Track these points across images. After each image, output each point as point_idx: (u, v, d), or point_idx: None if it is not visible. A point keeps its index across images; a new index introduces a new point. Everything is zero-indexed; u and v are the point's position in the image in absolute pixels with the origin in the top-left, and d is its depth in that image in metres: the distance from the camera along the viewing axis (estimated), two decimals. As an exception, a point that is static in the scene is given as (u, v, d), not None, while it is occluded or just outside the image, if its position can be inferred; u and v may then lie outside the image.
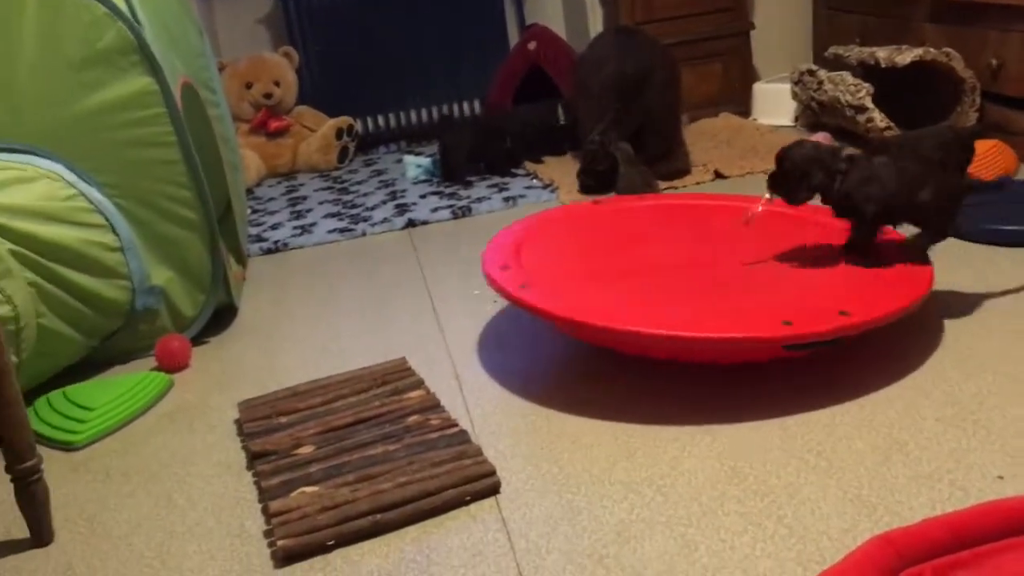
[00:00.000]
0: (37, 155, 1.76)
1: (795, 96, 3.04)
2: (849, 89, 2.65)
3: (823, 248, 1.69)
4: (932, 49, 2.53)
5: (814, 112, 2.93)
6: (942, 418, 1.29)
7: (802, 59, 3.42)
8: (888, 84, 2.62)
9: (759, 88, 3.29)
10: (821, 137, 2.70)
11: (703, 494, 1.19)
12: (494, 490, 1.26)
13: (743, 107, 3.34)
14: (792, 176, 1.58)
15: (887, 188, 1.53)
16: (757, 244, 1.70)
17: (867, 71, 2.72)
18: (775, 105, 3.20)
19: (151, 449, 1.52)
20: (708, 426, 1.35)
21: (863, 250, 1.60)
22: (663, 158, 2.64)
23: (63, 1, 1.75)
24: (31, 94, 1.77)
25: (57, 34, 1.76)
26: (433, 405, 1.49)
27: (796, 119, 3.13)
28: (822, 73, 2.82)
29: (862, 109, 2.59)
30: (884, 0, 3.00)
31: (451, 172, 2.93)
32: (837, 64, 2.89)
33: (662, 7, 3.29)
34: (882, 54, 2.63)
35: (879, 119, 2.53)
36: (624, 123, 2.51)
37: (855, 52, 2.81)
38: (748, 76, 3.40)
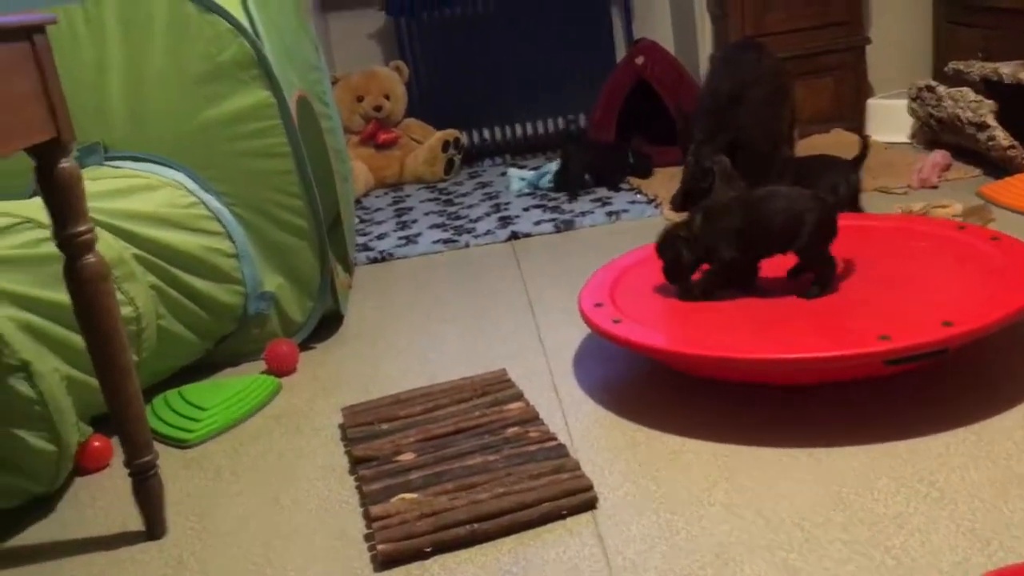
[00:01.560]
0: (160, 164, 1.85)
1: (912, 112, 2.95)
2: (970, 106, 2.55)
3: (922, 258, 1.65)
4: (1061, 65, 2.41)
5: (932, 129, 2.83)
6: (1065, 452, 1.22)
7: (920, 74, 3.31)
8: (1013, 101, 2.51)
9: (874, 104, 3.20)
10: (939, 156, 2.61)
11: (806, 520, 1.16)
12: (591, 505, 1.25)
13: (856, 123, 3.25)
14: (672, 268, 1.65)
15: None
16: (852, 260, 1.66)
17: (990, 87, 2.61)
18: (890, 122, 3.10)
19: (259, 450, 1.57)
20: (811, 449, 1.31)
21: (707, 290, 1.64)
22: (764, 174, 2.59)
23: (189, 17, 1.83)
24: (156, 106, 1.86)
25: (182, 48, 1.85)
26: (532, 417, 1.49)
27: (912, 136, 3.03)
28: (941, 89, 2.73)
29: (984, 127, 2.49)
30: (1009, 14, 2.88)
31: (568, 184, 2.95)
32: (958, 80, 2.79)
33: (774, 22, 3.24)
34: (1006, 70, 2.53)
35: (1002, 137, 2.43)
36: (717, 139, 2.47)
37: (977, 67, 2.71)
38: (862, 91, 3.31)
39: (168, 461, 1.55)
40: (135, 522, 1.35)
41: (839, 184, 2.21)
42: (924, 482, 1.20)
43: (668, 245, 1.65)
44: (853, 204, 2.25)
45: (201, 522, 1.36)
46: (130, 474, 1.31)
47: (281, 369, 1.85)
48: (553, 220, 2.68)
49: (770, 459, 1.30)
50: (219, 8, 1.83)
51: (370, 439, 1.49)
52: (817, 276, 1.58)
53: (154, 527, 1.33)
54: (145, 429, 1.31)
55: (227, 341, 1.92)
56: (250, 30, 1.85)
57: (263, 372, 1.85)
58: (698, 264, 1.64)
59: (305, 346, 1.98)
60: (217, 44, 1.84)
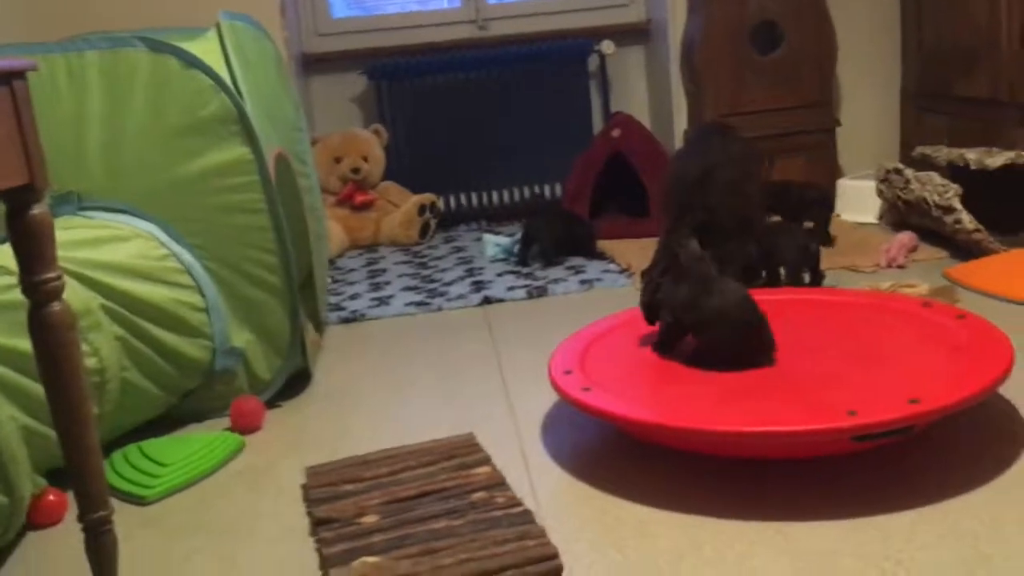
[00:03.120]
0: (134, 215, 1.84)
1: (880, 194, 3.01)
2: (937, 189, 2.61)
3: (892, 333, 1.67)
4: (1024, 153, 2.48)
5: (899, 211, 2.89)
6: (1031, 532, 1.22)
7: (888, 157, 3.39)
8: (977, 186, 2.57)
9: (844, 184, 3.27)
10: (907, 238, 2.66)
11: (773, 594, 1.14)
12: (556, 573, 1.23)
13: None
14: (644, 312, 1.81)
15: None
16: (820, 333, 1.68)
17: (955, 172, 2.68)
18: (859, 202, 3.16)
19: (219, 508, 1.53)
20: (778, 523, 1.30)
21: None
22: (734, 253, 2.61)
23: (171, 71, 1.85)
24: (134, 158, 1.86)
25: (163, 102, 1.85)
26: (499, 483, 1.47)
27: (880, 217, 3.09)
28: (909, 172, 2.79)
29: (950, 210, 2.54)
30: (974, 103, 2.98)
31: (538, 257, 2.94)
32: (925, 164, 2.86)
33: (747, 100, 3.32)
34: (972, 156, 2.60)
35: (967, 221, 2.49)
36: (686, 221, 2.51)
37: (944, 152, 2.78)
38: (832, 172, 3.38)
39: (124, 518, 1.51)
40: (86, 580, 1.31)
41: (798, 255, 2.36)
42: (891, 560, 1.19)
43: (644, 287, 1.82)
44: (815, 272, 2.37)
45: (154, 581, 1.32)
46: (83, 529, 1.27)
47: (246, 427, 1.82)
48: (526, 286, 2.69)
49: (738, 533, 1.29)
50: (201, 64, 1.85)
51: (333, 500, 1.47)
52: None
53: (105, 585, 1.29)
54: (102, 483, 1.28)
55: (192, 396, 1.90)
56: (232, 86, 1.86)
57: (227, 429, 1.82)
58: (649, 310, 1.80)
59: (272, 404, 1.95)
60: (199, 99, 1.85)
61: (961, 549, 1.20)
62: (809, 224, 2.76)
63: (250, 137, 1.87)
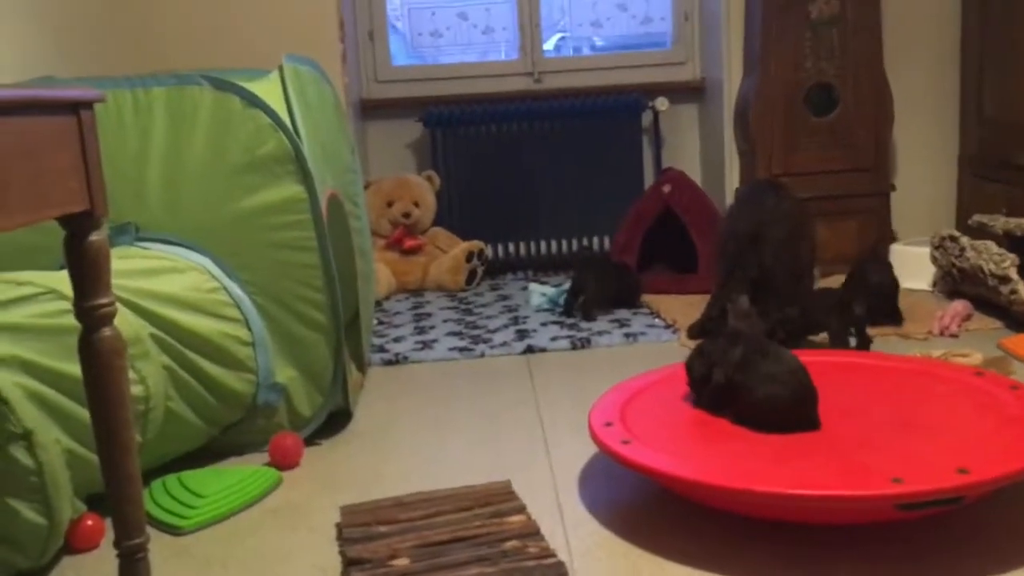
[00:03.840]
0: (189, 248, 1.88)
1: (934, 261, 2.96)
2: (993, 258, 2.56)
3: (943, 402, 1.63)
4: (1085, 225, 2.44)
5: (954, 279, 2.84)
6: (1084, 616, 1.18)
7: (943, 224, 3.34)
8: (1035, 257, 2.53)
9: (897, 249, 3.22)
10: (961, 306, 2.61)
11: (809, 664, 1.11)
12: (587, 629, 1.21)
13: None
14: (688, 376, 1.77)
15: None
16: (868, 399, 1.65)
17: (1013, 242, 2.63)
18: (912, 268, 3.11)
19: (253, 543, 1.53)
20: (820, 591, 1.27)
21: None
22: (786, 308, 2.59)
23: (233, 110, 1.89)
24: (193, 193, 1.90)
25: (224, 140, 1.90)
26: (532, 532, 1.46)
27: (934, 284, 3.04)
28: (964, 240, 2.75)
29: (1006, 280, 2.49)
30: (1034, 172, 2.93)
31: (583, 308, 2.93)
32: (981, 232, 2.81)
33: (800, 162, 3.30)
34: (1030, 225, 2.55)
35: (1024, 291, 2.44)
36: (738, 277, 2.49)
37: (1001, 222, 2.73)
38: (885, 237, 3.34)
39: (159, 547, 1.51)
40: (117, 606, 1.31)
41: (841, 319, 2.32)
42: (935, 634, 1.15)
43: (691, 356, 1.78)
44: (861, 336, 2.33)
45: (184, 612, 1.32)
46: (118, 555, 1.28)
47: (284, 462, 1.83)
48: (570, 337, 2.68)
49: (775, 597, 1.26)
50: (262, 103, 1.89)
51: (366, 540, 1.46)
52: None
53: (136, 613, 1.29)
54: (140, 510, 1.29)
55: (233, 429, 1.91)
56: (290, 126, 1.90)
57: (265, 464, 1.83)
58: (706, 378, 1.72)
59: (311, 441, 1.96)
60: (257, 138, 1.89)
61: (1009, 629, 1.16)
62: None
63: (305, 176, 1.90)
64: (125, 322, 1.59)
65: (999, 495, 1.48)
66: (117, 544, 1.28)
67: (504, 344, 2.65)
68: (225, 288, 1.85)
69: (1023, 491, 1.51)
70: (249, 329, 1.87)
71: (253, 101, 1.90)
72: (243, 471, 1.75)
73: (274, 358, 1.92)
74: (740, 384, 1.65)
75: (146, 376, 1.63)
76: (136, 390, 1.59)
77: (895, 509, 1.31)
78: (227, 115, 1.91)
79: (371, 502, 1.61)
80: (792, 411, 1.58)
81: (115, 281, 1.27)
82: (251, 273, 1.91)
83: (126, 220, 1.89)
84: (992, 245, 2.61)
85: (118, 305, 1.26)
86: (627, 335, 2.66)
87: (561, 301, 3.04)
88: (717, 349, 1.73)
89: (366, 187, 3.45)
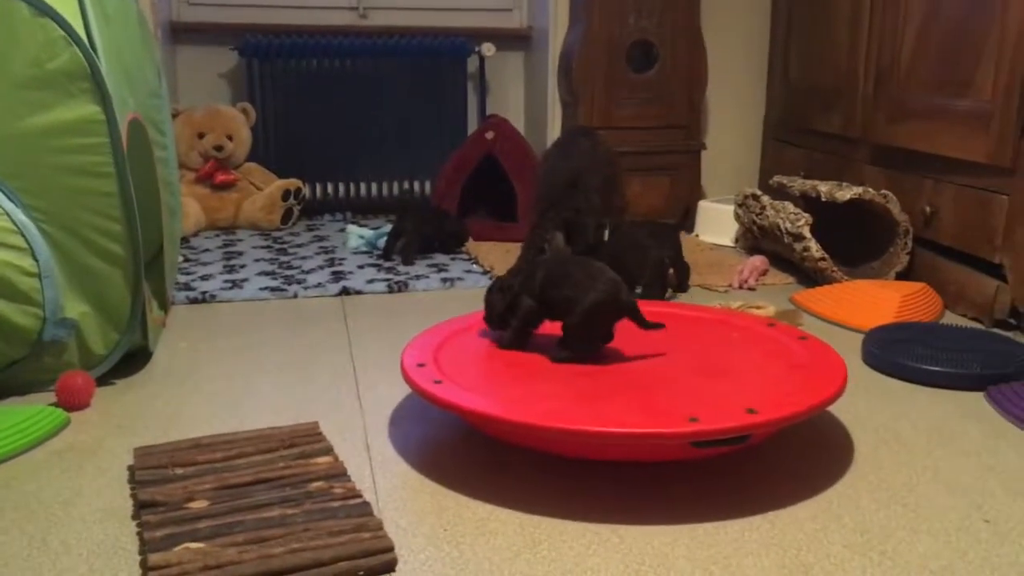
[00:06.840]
0: (-34, 168, 1.71)
1: (738, 218, 3.12)
2: (789, 217, 2.72)
3: (737, 349, 1.72)
4: (871, 189, 2.62)
5: (754, 235, 3.00)
6: (850, 545, 1.28)
7: (747, 184, 3.52)
8: (827, 217, 2.70)
9: (704, 206, 3.37)
10: (759, 261, 2.76)
11: (604, 595, 1.15)
12: (389, 567, 1.20)
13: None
14: (487, 312, 1.78)
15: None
16: (670, 345, 1.72)
17: (808, 203, 2.80)
18: (718, 224, 3.27)
19: (34, 486, 1.43)
20: (615, 526, 1.31)
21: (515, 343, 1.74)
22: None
23: (19, 18, 1.72)
24: (-29, 106, 1.72)
25: (8, 51, 1.72)
26: (339, 473, 1.43)
27: (736, 240, 3.20)
28: (765, 199, 2.90)
29: (800, 238, 2.66)
30: (830, 138, 3.13)
31: (403, 251, 2.90)
32: (780, 193, 2.98)
33: (620, 117, 3.38)
34: (823, 188, 2.72)
35: (815, 249, 2.60)
36: (553, 218, 2.55)
37: (798, 184, 2.90)
38: (694, 193, 3.48)
39: (-76, 491, 1.39)
40: None
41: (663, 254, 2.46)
42: (719, 564, 1.22)
43: (489, 290, 1.78)
44: (678, 262, 2.53)
45: (-49, 561, 1.22)
46: None
47: (72, 403, 1.71)
48: (387, 280, 2.64)
49: (575, 533, 1.30)
50: (54, 12, 1.73)
51: (161, 483, 1.39)
52: (564, 346, 1.68)
53: None
54: (-102, 450, 1.17)
55: (16, 367, 1.77)
56: (85, 40, 1.75)
57: (51, 404, 1.70)
58: (509, 312, 1.73)
59: (104, 381, 1.84)
60: (48, 50, 1.73)
61: (784, 557, 1.24)
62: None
63: (102, 96, 1.76)
64: None
65: (785, 441, 1.58)
66: None
67: (319, 285, 2.58)
68: (7, 213, 1.69)
69: (804, 435, 1.62)
70: (35, 259, 1.72)
71: (43, 9, 1.73)
72: (24, 410, 1.62)
73: (64, 292, 1.79)
74: (562, 299, 1.67)
75: (-89, 306, 1.48)
76: (-102, 321, 1.44)
77: (690, 447, 1.37)
78: (13, 23, 1.73)
79: (168, 443, 1.53)
80: (620, 302, 1.65)
81: None
82: (39, 199, 1.75)
83: None
84: (789, 205, 2.78)
85: None
86: (444, 280, 2.66)
87: (380, 244, 2.99)
88: (517, 281, 1.74)
89: (174, 116, 3.27)
